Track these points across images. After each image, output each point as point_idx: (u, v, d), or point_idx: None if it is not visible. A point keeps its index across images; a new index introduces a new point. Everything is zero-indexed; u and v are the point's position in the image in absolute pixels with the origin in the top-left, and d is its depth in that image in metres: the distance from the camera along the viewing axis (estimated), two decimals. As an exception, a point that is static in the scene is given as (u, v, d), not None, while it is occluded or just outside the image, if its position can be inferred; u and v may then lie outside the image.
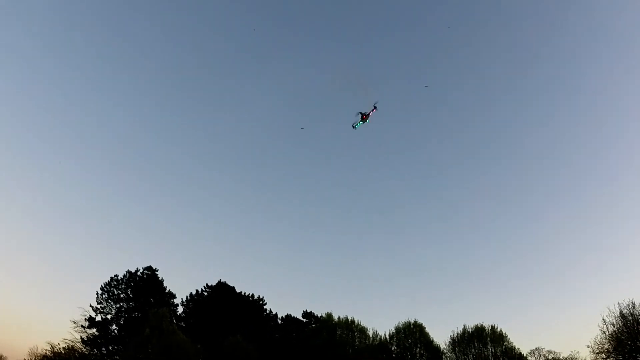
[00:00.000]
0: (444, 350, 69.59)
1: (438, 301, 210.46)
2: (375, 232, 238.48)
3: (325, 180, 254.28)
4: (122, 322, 76.20)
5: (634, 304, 74.54)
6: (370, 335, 69.78)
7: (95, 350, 76.10)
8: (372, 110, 63.44)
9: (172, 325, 64.28)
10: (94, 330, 76.08)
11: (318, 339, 63.61)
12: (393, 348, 70.67)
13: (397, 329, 71.81)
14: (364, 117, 63.21)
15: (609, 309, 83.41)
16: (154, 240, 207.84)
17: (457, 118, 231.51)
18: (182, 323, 79.34)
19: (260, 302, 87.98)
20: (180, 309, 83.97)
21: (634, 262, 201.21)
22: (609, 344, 75.24)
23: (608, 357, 75.93)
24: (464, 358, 65.81)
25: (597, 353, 77.96)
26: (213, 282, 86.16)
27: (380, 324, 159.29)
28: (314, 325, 73.78)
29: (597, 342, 79.36)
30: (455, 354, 67.25)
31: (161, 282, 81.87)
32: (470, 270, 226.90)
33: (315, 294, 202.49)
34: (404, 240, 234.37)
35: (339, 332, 65.78)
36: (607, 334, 75.79)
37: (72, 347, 76.62)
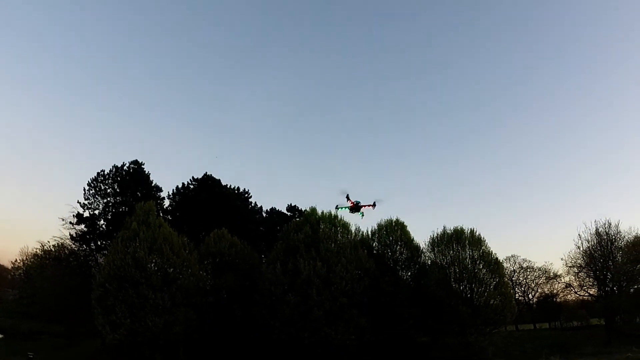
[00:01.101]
0: (424, 250, 71.43)
1: (421, 201, 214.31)
2: (363, 129, 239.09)
3: (309, 74, 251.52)
4: (109, 217, 77.73)
5: (610, 224, 76.72)
6: (353, 231, 71.19)
7: (84, 245, 78.01)
8: (370, 205, 61.82)
9: (158, 218, 65.49)
10: (83, 226, 77.85)
11: (301, 232, 64.14)
12: (374, 244, 72.26)
13: (379, 226, 73.86)
14: (353, 205, 61.61)
15: (585, 225, 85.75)
16: (139, 133, 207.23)
17: None
18: (169, 216, 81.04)
19: (246, 195, 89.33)
20: (166, 203, 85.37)
21: (615, 183, 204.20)
22: (582, 259, 77.90)
23: (580, 271, 78.76)
24: (443, 258, 67.87)
25: (570, 267, 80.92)
26: (199, 175, 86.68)
27: (363, 220, 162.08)
28: (297, 219, 74.68)
29: (571, 256, 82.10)
30: (434, 253, 69.17)
31: (147, 176, 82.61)
32: (452, 174, 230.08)
33: (300, 188, 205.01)
34: (392, 141, 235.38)
35: (322, 227, 66.81)
36: (581, 249, 78.39)
37: (62, 244, 78.35)
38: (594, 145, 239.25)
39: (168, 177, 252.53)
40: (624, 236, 79.32)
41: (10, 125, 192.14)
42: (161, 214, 76.68)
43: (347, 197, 61.78)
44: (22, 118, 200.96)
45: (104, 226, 79.04)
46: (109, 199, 79.24)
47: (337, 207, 65.74)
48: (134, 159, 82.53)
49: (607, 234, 78.65)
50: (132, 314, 54.75)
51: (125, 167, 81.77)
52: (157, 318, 55.19)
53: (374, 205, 61.41)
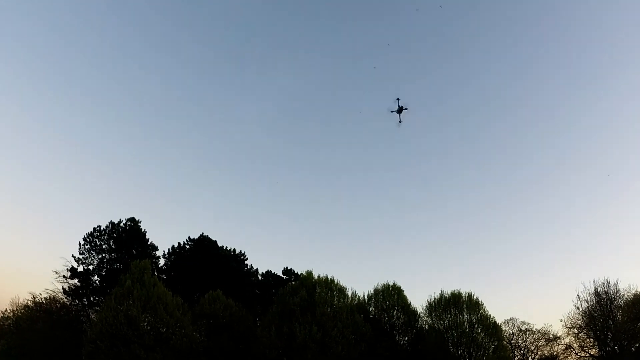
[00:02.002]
0: (421, 314, 71.13)
1: (416, 265, 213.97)
2: (358, 194, 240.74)
3: (308, 137, 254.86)
4: (103, 273, 77.51)
5: (608, 283, 76.95)
6: (349, 295, 71.41)
7: (76, 300, 77.60)
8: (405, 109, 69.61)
9: (153, 277, 65.61)
10: (76, 280, 77.74)
11: (297, 296, 63.69)
12: (371, 309, 72.11)
13: (376, 291, 73.69)
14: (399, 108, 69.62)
15: (584, 286, 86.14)
16: (137, 192, 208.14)
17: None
18: (164, 275, 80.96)
19: (241, 257, 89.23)
20: (162, 262, 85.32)
21: (613, 242, 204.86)
22: (581, 319, 77.65)
23: (580, 332, 78.32)
24: (440, 323, 67.28)
25: (570, 328, 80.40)
26: (195, 236, 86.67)
27: (360, 285, 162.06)
28: (293, 282, 74.52)
29: (570, 317, 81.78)
30: (432, 318, 68.91)
31: (144, 233, 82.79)
32: (448, 238, 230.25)
33: (297, 252, 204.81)
34: (383, 206, 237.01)
35: (318, 290, 66.62)
36: (580, 310, 78.26)
37: (54, 297, 77.73)
38: (591, 203, 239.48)
39: (164, 235, 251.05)
40: (624, 294, 79.58)
41: (6, 172, 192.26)
42: (156, 273, 76.43)
43: (397, 100, 69.26)
44: (19, 164, 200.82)
45: (97, 282, 78.42)
46: (104, 254, 79.01)
47: (391, 111, 70.34)
48: (131, 215, 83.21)
49: (606, 293, 78.83)
50: (123, 372, 53.73)
51: (121, 224, 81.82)
52: (148, 379, 54.09)
53: (406, 108, 70.06)
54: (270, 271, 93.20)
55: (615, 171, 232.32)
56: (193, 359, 60.02)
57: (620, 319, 77.12)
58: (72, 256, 78.91)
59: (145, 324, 58.18)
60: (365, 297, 73.58)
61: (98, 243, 79.15)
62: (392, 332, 69.52)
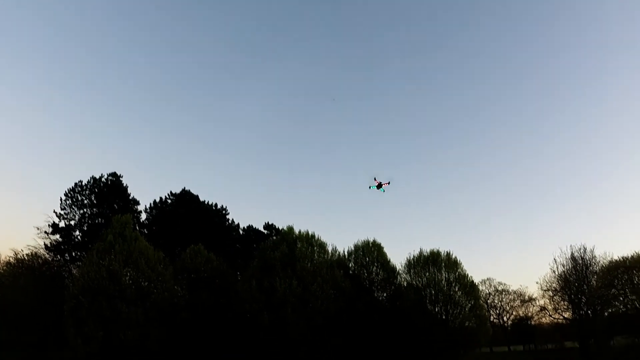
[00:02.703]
0: (400, 271, 72.03)
1: (397, 223, 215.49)
2: (342, 148, 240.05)
3: (292, 88, 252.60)
4: (85, 229, 77.59)
5: (585, 249, 78.54)
6: (330, 251, 72.02)
7: (58, 256, 77.70)
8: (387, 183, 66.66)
9: (135, 232, 65.84)
10: (58, 236, 77.65)
11: (278, 251, 64.13)
12: (351, 265, 72.67)
13: (356, 247, 74.47)
14: (378, 184, 66.99)
15: (561, 250, 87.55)
16: (119, 145, 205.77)
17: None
18: (145, 230, 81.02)
19: (223, 212, 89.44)
20: (143, 216, 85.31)
21: (592, 210, 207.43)
22: (557, 283, 79.20)
23: (555, 295, 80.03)
24: (419, 280, 68.30)
25: (545, 290, 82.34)
26: (177, 190, 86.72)
27: (340, 242, 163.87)
28: (274, 237, 74.91)
29: (546, 280, 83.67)
30: (410, 275, 69.73)
31: (125, 188, 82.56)
32: (429, 199, 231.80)
33: (278, 207, 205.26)
34: (367, 159, 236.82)
35: (299, 246, 67.15)
36: (556, 273, 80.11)
37: (36, 253, 77.61)
38: (573, 170, 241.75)
39: (146, 190, 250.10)
40: (599, 261, 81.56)
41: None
42: (137, 228, 76.81)
43: (375, 179, 66.10)
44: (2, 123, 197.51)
45: (79, 237, 78.62)
46: (85, 210, 78.85)
47: (369, 187, 67.53)
48: (113, 170, 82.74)
49: (582, 258, 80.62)
50: (105, 327, 54.82)
51: (103, 179, 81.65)
52: (129, 332, 55.26)
53: (388, 183, 66.19)
54: (252, 226, 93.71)
55: (596, 138, 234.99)
56: (174, 313, 60.41)
57: (595, 285, 79.08)
58: (54, 212, 79.19)
59: (127, 278, 58.43)
60: (346, 253, 74.66)
61: (79, 198, 79.17)
62: (371, 288, 70.57)
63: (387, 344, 64.37)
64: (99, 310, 54.80)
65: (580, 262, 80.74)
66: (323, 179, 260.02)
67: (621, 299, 78.92)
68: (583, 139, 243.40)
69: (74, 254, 78.07)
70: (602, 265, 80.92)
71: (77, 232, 78.91)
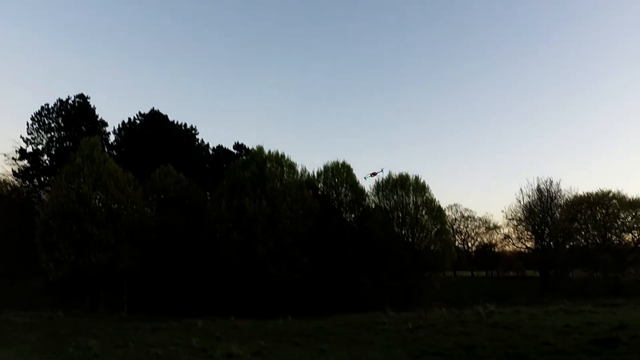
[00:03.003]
0: (368, 193, 73.04)
1: (367, 145, 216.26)
2: (315, 64, 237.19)
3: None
4: (53, 153, 77.28)
5: (551, 181, 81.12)
6: (299, 172, 72.41)
7: (27, 182, 77.66)
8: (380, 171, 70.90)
9: (103, 154, 65.68)
10: (25, 161, 77.39)
11: (247, 170, 64.54)
12: (320, 186, 73.36)
13: (325, 168, 74.91)
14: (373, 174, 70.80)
15: (527, 181, 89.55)
16: (86, 67, 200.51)
17: None
18: (114, 152, 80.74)
19: (192, 132, 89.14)
20: (112, 138, 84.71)
21: (560, 143, 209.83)
22: (522, 213, 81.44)
23: (519, 224, 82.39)
24: (387, 202, 69.38)
25: (510, 219, 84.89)
26: (146, 110, 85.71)
27: (310, 162, 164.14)
28: (244, 157, 75.03)
29: (512, 209, 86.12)
30: (379, 197, 70.68)
31: (93, 110, 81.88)
32: (399, 119, 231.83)
33: (248, 126, 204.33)
34: (340, 81, 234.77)
35: (268, 165, 67.41)
36: (522, 203, 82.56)
37: (4, 180, 77.32)
38: (549, 103, 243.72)
39: (114, 111, 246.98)
40: (564, 195, 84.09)
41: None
42: (106, 150, 76.52)
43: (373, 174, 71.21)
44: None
45: (47, 162, 78.43)
46: (53, 133, 78.22)
47: (365, 178, 72.79)
48: (80, 92, 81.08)
49: (548, 191, 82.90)
50: (76, 250, 55.53)
51: (70, 101, 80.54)
52: (101, 254, 56.17)
53: (382, 171, 71.34)
54: (221, 146, 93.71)
55: (574, 73, 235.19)
56: (144, 234, 61.13)
57: (558, 217, 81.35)
58: (21, 137, 78.72)
59: (96, 201, 58.70)
60: (315, 174, 75.01)
61: (46, 122, 78.29)
62: (339, 209, 71.49)
63: (354, 264, 65.88)
64: (69, 234, 55.35)
65: (546, 194, 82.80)
66: (294, 98, 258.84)
67: (583, 233, 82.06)
68: (562, 71, 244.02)
69: (42, 179, 78.08)
70: (567, 199, 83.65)
71: (45, 157, 78.70)
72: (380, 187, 71.13)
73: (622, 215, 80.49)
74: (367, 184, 72.89)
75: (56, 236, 54.99)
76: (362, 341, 30.01)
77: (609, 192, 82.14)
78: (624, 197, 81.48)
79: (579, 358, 21.08)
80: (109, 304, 57.52)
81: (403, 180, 69.29)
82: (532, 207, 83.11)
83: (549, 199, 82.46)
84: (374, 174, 70.63)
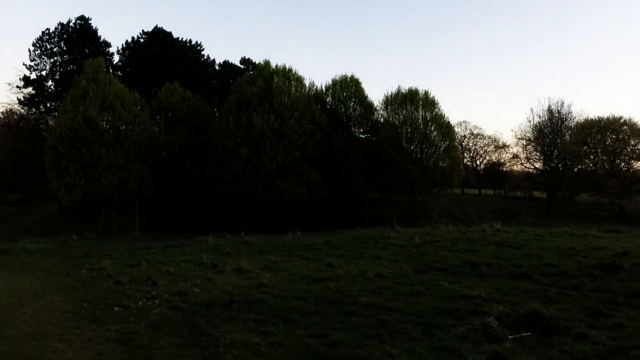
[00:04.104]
0: (377, 108, 72.82)
1: (376, 60, 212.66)
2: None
3: None
4: (57, 77, 77.34)
5: (563, 103, 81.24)
6: (307, 86, 72.38)
7: (33, 109, 78.23)
8: None
9: (108, 75, 65.65)
10: (30, 89, 77.60)
11: (255, 85, 64.46)
12: (328, 100, 73.17)
13: (334, 82, 74.57)
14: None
15: (538, 101, 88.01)
16: None
17: None
18: (119, 72, 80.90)
19: (198, 48, 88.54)
20: (116, 58, 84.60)
21: (574, 65, 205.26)
22: (531, 132, 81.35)
23: (528, 144, 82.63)
24: (395, 117, 69.31)
25: (519, 139, 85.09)
26: (149, 29, 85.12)
27: (318, 76, 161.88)
28: (251, 72, 74.55)
29: (522, 129, 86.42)
30: (387, 112, 70.55)
31: (95, 31, 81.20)
32: (410, 34, 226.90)
33: (255, 40, 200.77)
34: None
35: (276, 80, 67.28)
36: (532, 123, 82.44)
37: (11, 110, 77.97)
38: (564, 24, 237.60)
39: (117, 31, 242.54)
40: (575, 117, 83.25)
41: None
42: (111, 71, 76.49)
43: None
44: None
45: (52, 87, 78.35)
46: (56, 58, 77.80)
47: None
48: (81, 14, 79.89)
49: (558, 112, 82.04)
50: (87, 173, 56.39)
51: (71, 24, 79.61)
52: (111, 176, 57.10)
53: None
54: (228, 61, 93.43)
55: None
56: (153, 152, 62.04)
57: (568, 140, 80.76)
58: (24, 64, 78.19)
59: (104, 123, 59.03)
60: (323, 88, 74.78)
61: (48, 47, 77.65)
62: (348, 123, 71.58)
63: (363, 179, 66.56)
64: (79, 158, 56.11)
65: (557, 115, 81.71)
66: (300, 10, 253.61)
67: (592, 157, 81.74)
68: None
69: (49, 105, 78.36)
70: (578, 122, 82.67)
71: (50, 82, 78.47)
72: (389, 102, 70.67)
73: (633, 142, 79.57)
74: (376, 100, 72.42)
75: (66, 161, 55.72)
76: (369, 255, 31.10)
77: (621, 117, 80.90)
78: (635, 124, 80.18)
79: (581, 281, 21.78)
80: (122, 225, 59.34)
81: (412, 95, 68.60)
82: (542, 127, 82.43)
83: (559, 121, 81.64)
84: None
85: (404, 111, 68.63)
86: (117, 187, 57.65)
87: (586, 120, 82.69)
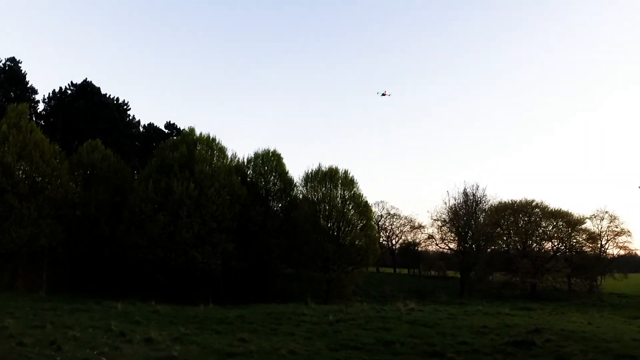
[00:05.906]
0: (297, 184, 74.06)
1: (298, 138, 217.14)
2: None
3: None
4: (-21, 118, 73.71)
5: (478, 186, 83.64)
6: (229, 157, 72.97)
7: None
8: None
9: (31, 122, 64.32)
10: None
11: (177, 151, 64.45)
12: (249, 172, 73.78)
13: (256, 155, 75.75)
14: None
15: (455, 184, 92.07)
16: (20, 29, 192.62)
17: None
18: (42, 122, 79.15)
19: (124, 107, 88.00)
20: (41, 107, 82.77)
21: (486, 152, 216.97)
22: (447, 214, 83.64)
23: (444, 225, 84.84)
24: (314, 194, 70.16)
25: (435, 220, 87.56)
26: (78, 81, 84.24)
27: (242, 146, 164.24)
28: (175, 138, 74.67)
29: (437, 210, 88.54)
30: (307, 189, 71.77)
31: (24, 75, 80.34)
32: (331, 118, 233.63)
33: (181, 106, 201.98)
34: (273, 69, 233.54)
35: (199, 148, 67.43)
36: (447, 205, 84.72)
37: None
38: (482, 117, 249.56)
39: (46, 79, 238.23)
40: (489, 200, 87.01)
41: None
42: (34, 119, 74.92)
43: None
44: None
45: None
46: (-20, 99, 75.33)
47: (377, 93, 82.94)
48: (12, 55, 78.90)
49: (474, 195, 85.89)
50: (-3, 224, 53.94)
51: (0, 64, 77.47)
52: (21, 229, 55.33)
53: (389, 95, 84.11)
54: (153, 124, 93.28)
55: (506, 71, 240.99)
56: (68, 209, 60.82)
57: (482, 221, 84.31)
58: (-55, 99, 75.49)
59: (20, 172, 57.53)
60: (245, 160, 75.74)
61: (-26, 87, 75.47)
62: (267, 197, 72.51)
63: (278, 254, 67.00)
64: (-10, 206, 54.23)
65: (472, 198, 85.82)
66: (229, 80, 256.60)
67: (505, 238, 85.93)
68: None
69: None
70: (492, 205, 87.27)
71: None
72: (309, 179, 72.30)
73: (544, 224, 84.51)
74: (297, 176, 73.66)
75: (-24, 208, 53.85)
76: (282, 332, 31.21)
77: (533, 201, 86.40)
78: (546, 207, 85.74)
79: (495, 358, 22.94)
80: (28, 282, 57.19)
81: (332, 173, 70.54)
82: (458, 209, 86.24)
83: (474, 203, 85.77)
84: (384, 94, 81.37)
85: (323, 189, 70.23)
86: (27, 242, 55.68)
87: (500, 203, 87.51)
